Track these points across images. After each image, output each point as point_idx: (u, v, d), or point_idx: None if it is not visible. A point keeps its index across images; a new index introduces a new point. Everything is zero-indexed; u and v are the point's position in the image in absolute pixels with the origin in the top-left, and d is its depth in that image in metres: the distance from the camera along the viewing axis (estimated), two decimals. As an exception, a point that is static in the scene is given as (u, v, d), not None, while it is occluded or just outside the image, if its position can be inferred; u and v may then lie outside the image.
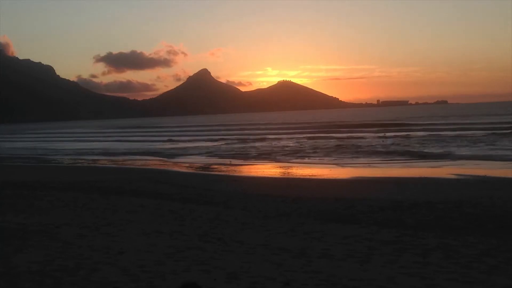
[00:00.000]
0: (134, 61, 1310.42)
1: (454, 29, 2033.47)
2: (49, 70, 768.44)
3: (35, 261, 8.90)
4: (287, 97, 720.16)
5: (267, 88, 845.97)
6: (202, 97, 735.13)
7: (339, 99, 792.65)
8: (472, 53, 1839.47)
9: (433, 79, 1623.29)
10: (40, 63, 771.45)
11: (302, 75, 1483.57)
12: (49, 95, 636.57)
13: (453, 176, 25.89)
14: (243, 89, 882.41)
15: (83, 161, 45.71)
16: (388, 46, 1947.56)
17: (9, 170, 36.15)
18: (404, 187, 21.96)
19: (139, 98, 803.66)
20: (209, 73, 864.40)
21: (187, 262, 9.10)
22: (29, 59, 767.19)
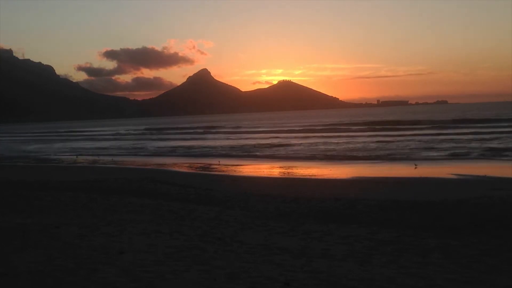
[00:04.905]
0: (145, 58, 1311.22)
1: (462, 28, 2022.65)
2: (49, 70, 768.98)
3: (35, 261, 8.89)
4: (287, 97, 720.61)
5: (267, 88, 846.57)
6: (202, 97, 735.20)
7: (339, 99, 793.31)
8: (481, 52, 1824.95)
9: (440, 78, 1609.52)
10: (40, 63, 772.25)
11: (307, 74, 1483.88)
12: (49, 95, 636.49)
13: (453, 176, 25.89)
14: (245, 88, 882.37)
15: (83, 161, 45.76)
16: (395, 44, 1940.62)
17: (9, 170, 36.16)
18: (404, 187, 21.96)
19: (140, 98, 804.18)
20: (209, 73, 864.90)
21: (187, 262, 9.09)
22: (29, 59, 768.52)
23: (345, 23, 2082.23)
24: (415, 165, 31.77)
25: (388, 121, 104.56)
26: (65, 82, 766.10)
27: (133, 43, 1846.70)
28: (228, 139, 74.00)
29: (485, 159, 35.08)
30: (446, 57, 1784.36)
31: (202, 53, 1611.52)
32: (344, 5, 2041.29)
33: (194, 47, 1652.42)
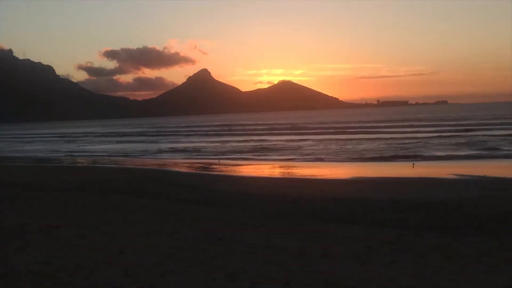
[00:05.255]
0: (146, 57, 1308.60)
1: (464, 28, 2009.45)
2: (49, 69, 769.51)
3: (35, 261, 8.89)
4: (287, 97, 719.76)
5: (267, 88, 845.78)
6: (202, 97, 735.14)
7: (339, 99, 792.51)
8: (482, 52, 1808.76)
9: (442, 78, 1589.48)
10: (40, 63, 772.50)
11: (307, 74, 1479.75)
12: (49, 95, 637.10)
13: (453, 176, 25.89)
14: (245, 88, 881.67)
15: (83, 161, 45.78)
16: (396, 44, 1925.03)
17: (9, 170, 36.18)
18: (404, 187, 21.97)
19: (140, 98, 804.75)
20: (209, 73, 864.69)
21: (187, 262, 9.09)
22: (29, 59, 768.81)
23: (346, 23, 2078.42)
24: (413, 164, 31.97)
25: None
26: (65, 82, 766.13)
27: (134, 43, 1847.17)
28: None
29: (485, 159, 35.10)
30: (448, 57, 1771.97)
31: (203, 53, 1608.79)
32: (345, 5, 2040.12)
33: (195, 47, 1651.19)
